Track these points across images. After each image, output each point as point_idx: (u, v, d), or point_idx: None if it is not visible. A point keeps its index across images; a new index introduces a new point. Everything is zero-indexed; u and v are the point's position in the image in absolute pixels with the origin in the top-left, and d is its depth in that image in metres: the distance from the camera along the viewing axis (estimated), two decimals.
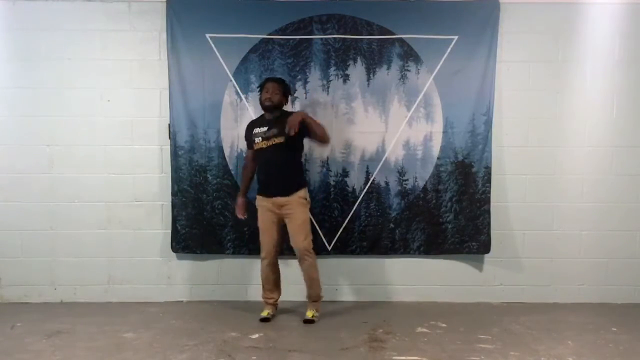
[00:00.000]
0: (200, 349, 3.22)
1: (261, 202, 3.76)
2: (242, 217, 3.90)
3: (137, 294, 4.17)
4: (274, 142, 3.65)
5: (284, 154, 3.66)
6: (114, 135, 4.11)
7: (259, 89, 3.80)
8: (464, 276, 4.22)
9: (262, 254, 3.79)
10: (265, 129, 3.70)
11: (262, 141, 3.69)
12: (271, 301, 3.86)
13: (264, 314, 3.79)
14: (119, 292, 4.19)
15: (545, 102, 4.14)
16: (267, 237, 3.76)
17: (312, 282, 3.78)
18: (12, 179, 4.12)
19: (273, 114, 3.71)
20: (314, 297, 3.81)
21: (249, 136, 3.80)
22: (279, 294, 3.90)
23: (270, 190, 3.71)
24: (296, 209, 3.69)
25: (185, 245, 4.13)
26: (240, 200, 3.88)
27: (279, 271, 3.87)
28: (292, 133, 3.53)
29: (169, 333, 3.52)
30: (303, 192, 3.73)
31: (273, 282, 3.85)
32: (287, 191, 3.69)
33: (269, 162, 3.70)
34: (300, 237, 3.68)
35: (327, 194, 4.12)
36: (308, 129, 3.63)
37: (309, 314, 3.77)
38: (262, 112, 3.79)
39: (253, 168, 3.84)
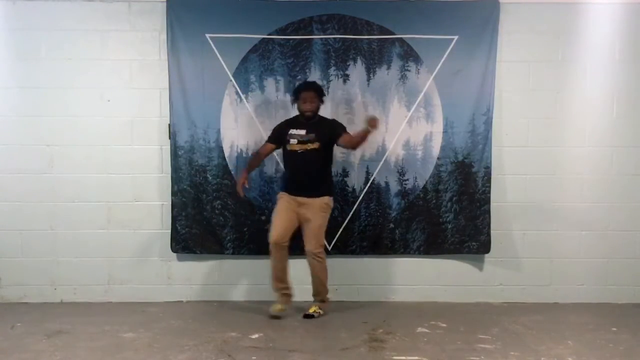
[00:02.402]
0: (200, 349, 3.22)
1: (284, 196, 3.81)
2: (241, 195, 3.86)
3: (137, 294, 4.17)
4: (309, 148, 3.72)
5: (318, 160, 3.75)
6: (114, 135, 4.11)
7: (293, 94, 3.84)
8: (464, 276, 4.22)
9: (272, 237, 3.72)
10: (303, 132, 3.75)
11: (297, 144, 3.75)
12: (284, 290, 3.81)
13: (276, 308, 3.75)
14: (119, 292, 4.18)
15: (545, 102, 4.14)
16: (280, 220, 3.75)
17: (319, 284, 3.83)
18: (12, 179, 4.12)
19: (311, 120, 3.77)
20: (319, 297, 3.85)
21: (283, 134, 3.80)
22: (290, 284, 3.86)
23: (297, 191, 3.78)
24: (316, 213, 3.75)
25: (185, 246, 4.13)
26: (244, 173, 3.83)
27: (287, 260, 3.80)
28: (373, 127, 3.52)
29: (169, 333, 3.51)
30: (327, 199, 3.80)
31: (282, 269, 3.78)
32: (314, 195, 3.76)
33: (301, 166, 3.76)
34: (313, 241, 3.75)
35: None
36: (332, 136, 3.74)
37: (311, 310, 3.80)
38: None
39: (262, 159, 3.90)
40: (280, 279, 3.82)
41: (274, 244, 3.73)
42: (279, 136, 3.84)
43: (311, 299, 3.90)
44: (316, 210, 3.75)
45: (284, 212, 3.77)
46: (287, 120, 3.90)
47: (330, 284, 4.11)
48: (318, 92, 3.80)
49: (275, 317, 3.75)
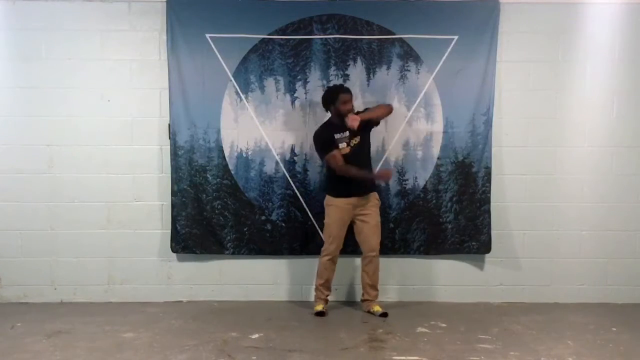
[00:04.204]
0: (200, 349, 3.22)
1: (338, 204, 3.80)
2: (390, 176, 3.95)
3: (137, 294, 4.17)
4: (354, 144, 3.77)
5: (363, 154, 3.83)
6: (114, 135, 4.11)
7: (328, 99, 3.80)
8: (464, 276, 4.22)
9: (328, 250, 3.83)
10: (346, 134, 3.76)
11: (346, 146, 3.77)
12: (326, 297, 3.92)
13: (320, 307, 3.85)
14: (119, 292, 4.18)
15: (545, 102, 4.14)
16: (337, 235, 3.83)
17: (377, 281, 3.89)
18: (12, 179, 4.12)
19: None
20: (376, 294, 3.92)
21: (332, 141, 3.77)
22: (330, 291, 3.97)
23: (351, 191, 3.77)
24: (373, 210, 3.84)
25: (185, 246, 4.13)
26: (372, 174, 3.87)
27: (335, 270, 3.92)
28: (355, 126, 3.65)
29: (169, 333, 3.52)
30: (376, 194, 3.88)
31: (330, 279, 3.91)
32: (367, 190, 3.81)
33: (354, 165, 3.74)
34: (374, 239, 3.83)
35: None
36: (368, 122, 3.77)
37: (380, 308, 3.86)
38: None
39: None
40: (327, 288, 3.91)
41: (327, 256, 3.84)
42: (331, 144, 3.76)
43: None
44: (372, 208, 3.83)
45: (340, 229, 3.82)
46: (325, 128, 3.84)
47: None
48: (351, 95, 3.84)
49: (322, 313, 3.82)
